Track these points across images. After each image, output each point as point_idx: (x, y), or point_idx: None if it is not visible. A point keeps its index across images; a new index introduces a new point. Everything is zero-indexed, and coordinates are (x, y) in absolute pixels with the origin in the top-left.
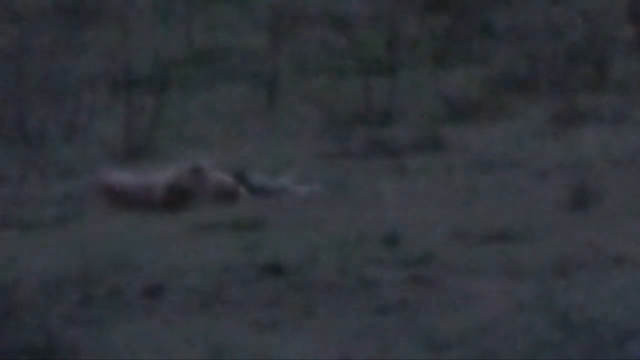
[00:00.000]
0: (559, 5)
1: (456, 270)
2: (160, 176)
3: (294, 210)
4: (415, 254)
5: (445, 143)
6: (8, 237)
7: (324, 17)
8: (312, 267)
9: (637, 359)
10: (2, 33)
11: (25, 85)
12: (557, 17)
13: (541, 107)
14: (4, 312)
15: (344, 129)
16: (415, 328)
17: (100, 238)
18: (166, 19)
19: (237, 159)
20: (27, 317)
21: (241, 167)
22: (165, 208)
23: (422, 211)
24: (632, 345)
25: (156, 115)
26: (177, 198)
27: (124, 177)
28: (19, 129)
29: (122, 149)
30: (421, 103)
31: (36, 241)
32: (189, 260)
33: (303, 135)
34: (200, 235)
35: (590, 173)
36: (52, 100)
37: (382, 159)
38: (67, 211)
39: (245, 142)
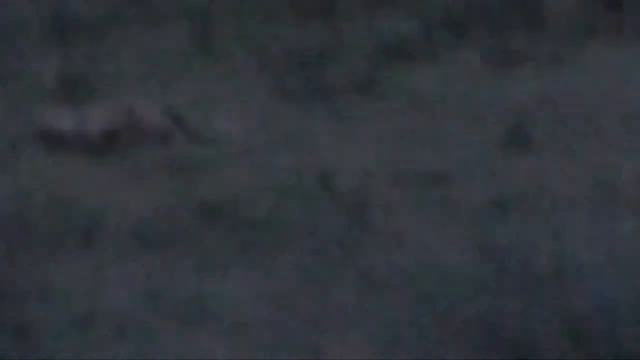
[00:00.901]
0: None
1: (392, 212)
2: (95, 118)
3: (230, 152)
4: (351, 196)
5: (381, 85)
6: None
7: None
8: (248, 208)
9: (570, 296)
10: None
11: None
12: None
13: (477, 48)
14: None
15: (280, 71)
16: (352, 270)
17: (35, 181)
18: None
19: (172, 101)
20: None
21: (176, 109)
22: (101, 150)
23: (358, 153)
24: (567, 283)
25: (91, 57)
26: (112, 140)
27: (59, 119)
28: None
29: (57, 91)
30: (357, 45)
31: None
32: (124, 202)
33: (238, 77)
34: (135, 177)
35: (525, 114)
36: None
37: (318, 102)
38: (1, 154)
39: (180, 84)
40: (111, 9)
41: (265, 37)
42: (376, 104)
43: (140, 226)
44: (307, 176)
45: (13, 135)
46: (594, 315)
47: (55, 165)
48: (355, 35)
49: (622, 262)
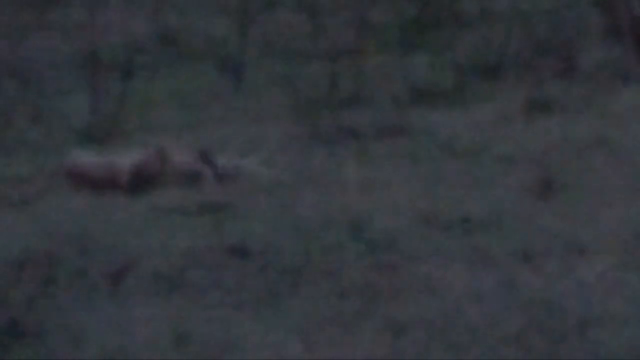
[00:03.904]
0: None
1: (420, 257)
2: (125, 159)
3: (259, 194)
4: (379, 240)
5: (411, 128)
6: None
7: (291, 2)
8: (276, 251)
9: (597, 346)
10: None
11: None
12: (525, 5)
13: (508, 94)
14: None
15: (309, 113)
16: (378, 314)
17: (64, 220)
18: (133, 1)
19: (202, 142)
20: None
21: (207, 150)
22: (130, 191)
23: (387, 197)
24: (593, 333)
25: (122, 98)
26: (141, 181)
27: (89, 159)
28: None
29: (87, 131)
30: (388, 88)
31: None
32: (153, 243)
33: (269, 119)
34: (164, 218)
35: (556, 161)
36: (18, 81)
37: (348, 144)
38: (31, 192)
39: (210, 124)
40: (143, 50)
41: (296, 80)
42: (406, 147)
43: (168, 266)
44: (335, 219)
45: (44, 173)
46: None
47: (84, 204)
48: (386, 78)
49: None
